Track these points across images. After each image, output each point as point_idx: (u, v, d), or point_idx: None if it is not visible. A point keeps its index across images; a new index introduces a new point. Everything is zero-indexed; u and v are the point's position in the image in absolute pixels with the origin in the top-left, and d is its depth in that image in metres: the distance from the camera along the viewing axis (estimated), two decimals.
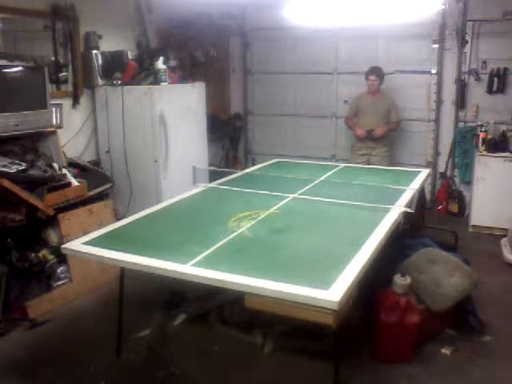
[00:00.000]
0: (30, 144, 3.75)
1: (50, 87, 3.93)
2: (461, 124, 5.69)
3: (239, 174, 4.34)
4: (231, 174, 4.32)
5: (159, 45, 5.25)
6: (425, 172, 4.31)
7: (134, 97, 4.49)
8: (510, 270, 4.24)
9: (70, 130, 4.39)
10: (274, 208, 3.25)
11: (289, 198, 3.46)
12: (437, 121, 5.80)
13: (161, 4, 5.12)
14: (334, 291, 2.08)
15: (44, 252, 3.59)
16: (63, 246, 2.71)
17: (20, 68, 3.59)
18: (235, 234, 2.78)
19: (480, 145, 5.09)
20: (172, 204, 3.42)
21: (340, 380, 2.39)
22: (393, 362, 2.91)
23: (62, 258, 3.65)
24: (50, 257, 3.61)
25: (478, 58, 5.43)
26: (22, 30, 4.19)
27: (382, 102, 5.40)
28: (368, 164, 5.26)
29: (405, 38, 5.68)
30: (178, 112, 4.72)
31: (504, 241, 4.61)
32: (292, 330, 3.03)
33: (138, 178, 4.63)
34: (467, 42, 5.44)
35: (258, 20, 6.34)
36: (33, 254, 3.52)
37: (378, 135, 5.34)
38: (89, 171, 4.26)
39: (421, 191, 3.93)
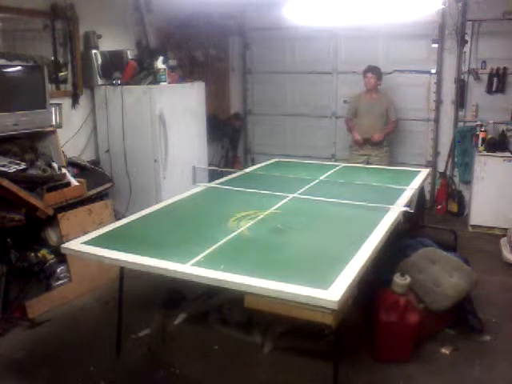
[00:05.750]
0: (30, 144, 3.74)
1: (50, 87, 3.93)
2: (460, 124, 5.68)
3: (239, 173, 4.33)
4: (231, 173, 4.31)
5: (159, 44, 5.26)
6: (424, 172, 4.30)
7: (133, 96, 4.49)
8: (510, 270, 4.24)
9: (70, 129, 4.39)
10: (274, 208, 3.25)
11: (288, 198, 3.46)
12: (436, 120, 5.80)
13: (160, 4, 5.12)
14: (334, 291, 2.08)
15: (43, 252, 3.59)
16: (63, 246, 2.71)
17: (19, 67, 3.58)
18: (235, 233, 2.78)
19: (479, 144, 5.09)
20: (172, 204, 3.42)
21: (340, 380, 2.39)
22: (392, 362, 2.91)
23: (61, 258, 3.65)
24: (50, 256, 3.61)
25: (477, 57, 5.43)
26: (22, 29, 4.19)
27: (381, 102, 5.40)
28: (367, 164, 5.26)
29: (404, 38, 5.68)
30: (177, 111, 4.72)
31: (503, 240, 4.61)
32: (292, 330, 3.03)
33: (137, 178, 4.63)
34: (467, 42, 5.44)
35: (258, 20, 6.34)
36: (32, 254, 3.52)
37: (376, 141, 5.33)
38: (88, 171, 4.26)
39: (420, 191, 3.93)
